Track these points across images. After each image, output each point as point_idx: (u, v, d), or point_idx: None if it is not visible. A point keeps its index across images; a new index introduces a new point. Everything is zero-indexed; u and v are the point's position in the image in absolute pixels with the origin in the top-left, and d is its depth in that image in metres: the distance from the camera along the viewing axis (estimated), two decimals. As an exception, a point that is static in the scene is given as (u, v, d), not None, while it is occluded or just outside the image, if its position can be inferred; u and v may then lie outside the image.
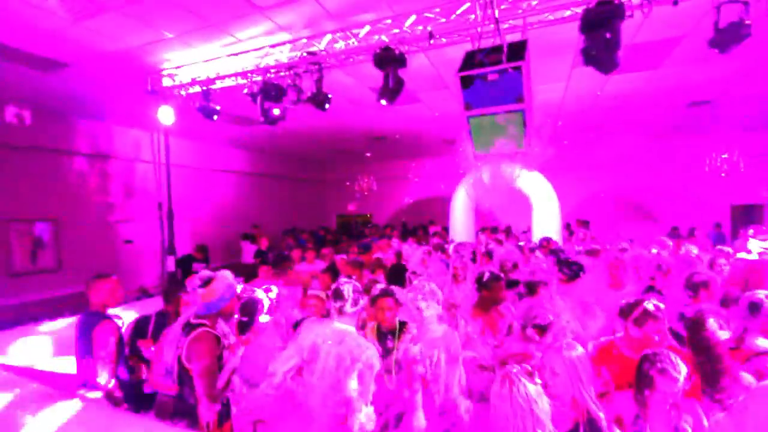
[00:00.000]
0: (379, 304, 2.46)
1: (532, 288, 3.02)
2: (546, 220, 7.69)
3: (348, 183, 12.59)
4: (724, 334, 2.39)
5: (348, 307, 1.99)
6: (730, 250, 4.87)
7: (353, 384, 1.37)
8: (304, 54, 4.64)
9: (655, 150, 10.52)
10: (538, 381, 1.59)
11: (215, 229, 9.56)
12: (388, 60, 3.93)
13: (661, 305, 2.48)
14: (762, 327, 2.39)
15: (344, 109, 6.99)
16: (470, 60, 3.73)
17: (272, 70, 4.87)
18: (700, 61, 5.26)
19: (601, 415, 1.66)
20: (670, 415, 1.90)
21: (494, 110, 3.72)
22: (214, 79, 5.25)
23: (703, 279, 3.12)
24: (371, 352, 1.50)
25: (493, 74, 3.53)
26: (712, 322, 2.36)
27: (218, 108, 5.35)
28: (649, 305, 2.39)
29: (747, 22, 3.12)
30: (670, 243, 5.55)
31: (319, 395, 1.33)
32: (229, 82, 5.26)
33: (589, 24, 3.35)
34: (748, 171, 9.43)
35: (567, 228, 10.15)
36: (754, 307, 2.44)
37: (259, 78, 4.94)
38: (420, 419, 2.04)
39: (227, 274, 2.28)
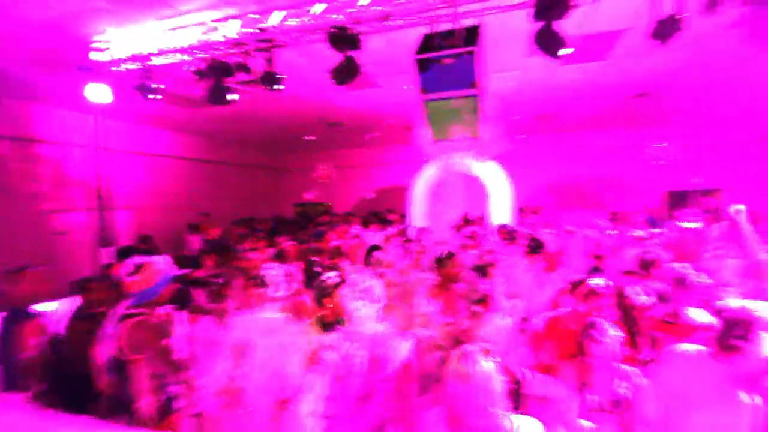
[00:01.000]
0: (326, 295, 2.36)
1: (482, 270, 3.14)
2: (501, 207, 7.94)
3: (306, 171, 12.28)
4: (642, 299, 2.60)
5: (273, 293, 1.91)
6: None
7: (293, 370, 1.32)
8: (255, 30, 4.38)
9: (601, 140, 11.11)
10: (495, 359, 1.60)
11: (163, 219, 9.00)
12: (343, 40, 3.79)
13: (609, 282, 2.63)
14: (689, 299, 2.59)
15: (299, 92, 6.73)
16: (427, 43, 3.69)
17: (219, 47, 4.56)
18: (643, 53, 5.53)
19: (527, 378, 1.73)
20: (608, 380, 2.02)
21: (449, 95, 3.73)
22: (154, 54, 4.84)
23: (653, 257, 3.35)
24: (307, 337, 1.45)
25: (448, 58, 3.52)
26: (629, 289, 2.59)
27: (159, 87, 4.95)
28: (593, 282, 2.53)
29: (681, 15, 3.29)
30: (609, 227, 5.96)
31: (258, 386, 1.25)
32: (171, 59, 4.87)
33: (540, 10, 3.41)
34: (682, 159, 10.20)
35: (520, 214, 10.61)
36: (680, 281, 2.64)
37: (205, 55, 4.62)
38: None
39: (159, 261, 2.13)
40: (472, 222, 7.44)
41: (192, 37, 4.66)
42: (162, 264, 2.12)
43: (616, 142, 10.86)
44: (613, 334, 2.03)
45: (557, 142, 11.39)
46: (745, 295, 3.16)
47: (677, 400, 1.77)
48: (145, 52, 4.86)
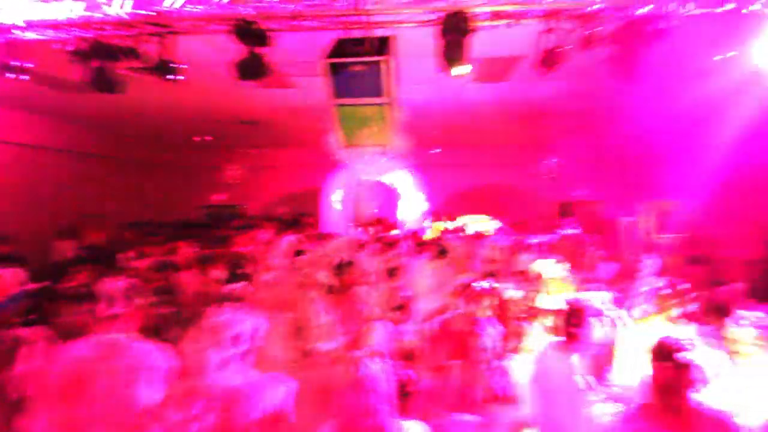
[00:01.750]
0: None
1: (391, 272, 3.21)
2: (412, 213, 8.25)
3: (217, 171, 11.42)
4: (510, 294, 2.92)
5: (107, 309, 1.71)
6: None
7: (145, 393, 1.15)
8: (150, 13, 3.94)
9: (505, 153, 12.15)
10: (384, 362, 1.62)
11: (31, 221, 7.63)
12: (250, 35, 3.59)
13: (494, 284, 2.85)
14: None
15: (206, 86, 6.24)
16: (339, 48, 3.67)
17: (105, 27, 4.01)
18: (537, 79, 6.16)
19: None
20: (491, 375, 2.16)
21: (360, 101, 3.74)
22: (20, 27, 4.10)
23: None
24: (155, 353, 1.29)
25: (359, 65, 3.53)
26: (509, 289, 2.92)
27: (25, 66, 4.20)
28: (478, 285, 2.71)
29: (565, 47, 3.72)
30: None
31: (102, 421, 1.07)
32: (42, 35, 4.16)
33: (445, 30, 3.61)
34: (570, 173, 11.57)
35: (432, 220, 11.17)
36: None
37: (87, 35, 4.03)
38: None
39: (10, 272, 1.77)
40: (384, 226, 7.59)
41: (71, 11, 4.03)
42: (13, 275, 1.76)
43: (517, 156, 11.93)
44: (493, 331, 2.19)
45: (466, 154, 12.20)
46: (617, 293, 3.69)
47: (542, 389, 1.97)
48: (10, 23, 4.09)
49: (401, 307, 3.00)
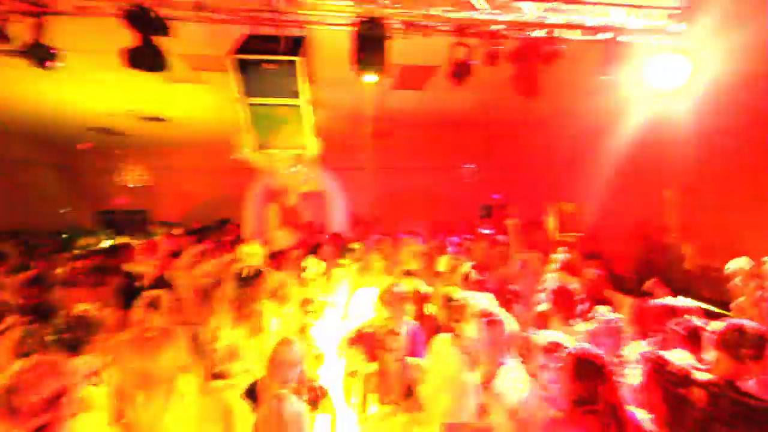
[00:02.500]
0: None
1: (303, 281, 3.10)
2: (338, 216, 8.17)
3: (115, 172, 10.11)
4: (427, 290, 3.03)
5: None
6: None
7: None
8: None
9: (429, 158, 12.61)
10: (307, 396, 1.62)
11: None
12: (144, 22, 3.24)
13: (416, 287, 2.89)
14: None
15: (98, 75, 5.55)
16: (247, 44, 3.47)
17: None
18: (452, 89, 6.47)
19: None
20: (402, 373, 2.19)
21: (272, 101, 3.57)
22: None
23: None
24: None
25: (270, 64, 3.37)
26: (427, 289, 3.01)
27: None
28: (397, 288, 2.72)
29: (472, 61, 3.94)
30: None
31: None
32: None
33: (360, 35, 3.61)
34: (489, 178, 12.30)
35: (358, 224, 11.21)
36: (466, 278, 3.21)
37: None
38: None
39: None
40: (309, 230, 7.41)
41: None
42: None
43: (440, 161, 12.43)
44: (405, 332, 2.22)
45: (392, 158, 12.42)
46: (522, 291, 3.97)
47: (438, 381, 2.05)
48: None
49: (315, 313, 2.90)
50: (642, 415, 1.65)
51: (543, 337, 2.04)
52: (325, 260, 5.06)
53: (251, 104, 3.54)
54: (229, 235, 6.30)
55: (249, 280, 2.55)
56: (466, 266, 4.75)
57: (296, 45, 3.45)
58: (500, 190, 13.70)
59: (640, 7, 3.78)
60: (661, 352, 1.82)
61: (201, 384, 2.57)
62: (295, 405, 1.55)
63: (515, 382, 1.98)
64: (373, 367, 2.34)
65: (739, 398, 1.49)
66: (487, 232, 6.90)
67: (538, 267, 5.36)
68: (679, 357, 1.77)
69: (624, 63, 4.27)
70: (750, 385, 1.55)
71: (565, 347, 1.76)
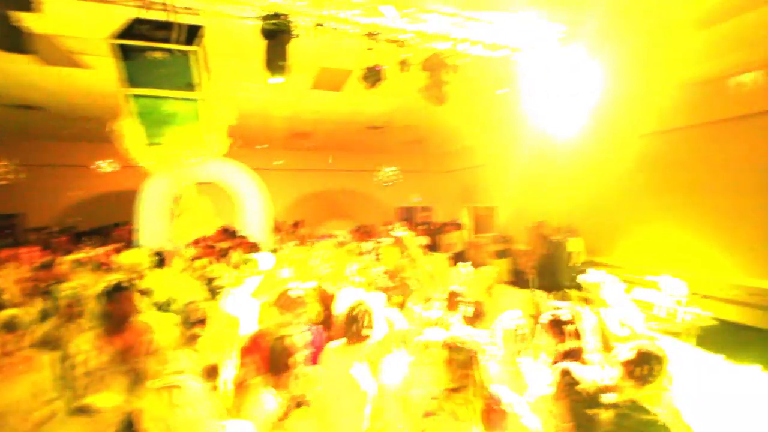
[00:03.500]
0: None
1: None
2: (256, 219, 7.76)
3: None
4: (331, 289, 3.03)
5: None
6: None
7: None
8: None
9: (350, 161, 12.64)
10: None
11: None
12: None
13: (311, 289, 2.79)
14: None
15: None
16: (132, 28, 3.09)
17: None
18: (368, 93, 6.52)
19: None
20: (293, 380, 2.09)
21: (162, 94, 3.22)
22: None
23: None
24: None
25: (158, 52, 3.04)
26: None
27: None
28: (292, 291, 2.62)
29: (382, 67, 3.98)
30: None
31: None
32: None
33: (265, 32, 3.45)
34: (405, 182, 12.65)
35: (278, 226, 10.81)
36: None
37: None
38: None
39: None
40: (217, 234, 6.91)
41: None
42: None
43: (361, 164, 12.50)
44: (301, 337, 2.14)
45: (314, 159, 12.21)
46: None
47: (329, 387, 2.02)
48: None
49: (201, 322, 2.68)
50: (506, 392, 1.80)
51: (426, 334, 2.13)
52: (234, 267, 4.76)
53: (136, 96, 3.15)
54: (116, 241, 5.58)
55: (113, 295, 2.23)
56: (376, 269, 4.81)
57: (191, 34, 3.16)
58: (420, 192, 14.23)
59: (532, 27, 4.14)
60: (574, 367, 1.90)
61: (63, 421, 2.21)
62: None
63: (400, 374, 2.07)
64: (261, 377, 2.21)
65: (642, 418, 1.63)
66: (401, 234, 7.06)
67: (447, 268, 5.63)
68: (589, 373, 1.88)
69: (521, 77, 4.67)
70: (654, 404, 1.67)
71: (440, 341, 1.84)
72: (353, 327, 2.08)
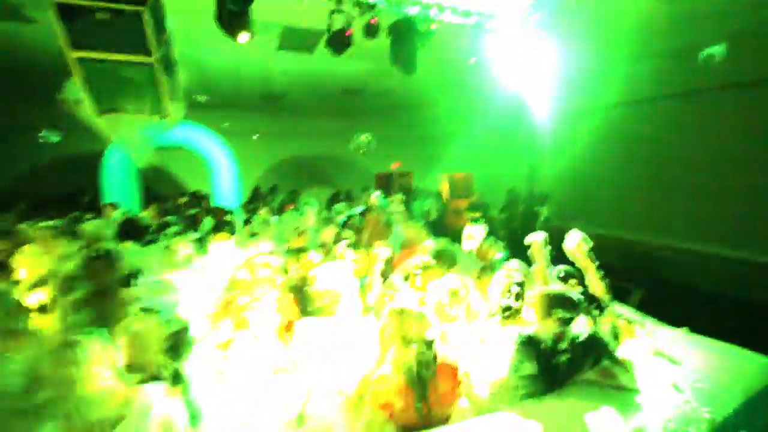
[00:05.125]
0: None
1: None
2: (228, 185, 7.62)
3: None
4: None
5: None
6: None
7: None
8: None
9: (327, 125, 12.34)
10: None
11: None
12: None
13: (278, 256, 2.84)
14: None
15: None
16: (74, -16, 2.84)
17: None
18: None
19: None
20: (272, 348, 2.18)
21: (112, 57, 3.04)
22: None
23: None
24: None
25: (102, 12, 2.83)
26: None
27: None
28: (260, 257, 2.65)
29: (348, 32, 3.84)
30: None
31: None
32: None
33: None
34: (383, 147, 12.39)
35: (256, 192, 10.60)
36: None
37: None
38: None
39: None
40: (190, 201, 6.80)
41: None
42: None
43: (337, 129, 12.19)
44: (270, 304, 2.20)
45: (289, 124, 11.87)
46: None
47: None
48: None
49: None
50: (459, 358, 1.94)
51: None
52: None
53: (83, 59, 2.95)
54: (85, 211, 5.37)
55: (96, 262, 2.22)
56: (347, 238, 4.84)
57: (141, -8, 2.94)
58: (398, 158, 14.12)
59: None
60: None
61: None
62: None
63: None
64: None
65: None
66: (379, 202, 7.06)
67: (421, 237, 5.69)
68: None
69: (491, 46, 4.60)
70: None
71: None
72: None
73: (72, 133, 8.64)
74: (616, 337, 2.22)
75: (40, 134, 7.72)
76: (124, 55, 3.07)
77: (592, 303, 2.15)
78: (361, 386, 1.82)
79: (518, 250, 2.69)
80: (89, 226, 3.38)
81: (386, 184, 14.69)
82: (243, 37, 3.39)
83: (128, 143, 4.72)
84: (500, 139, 8.93)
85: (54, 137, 8.18)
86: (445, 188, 13.02)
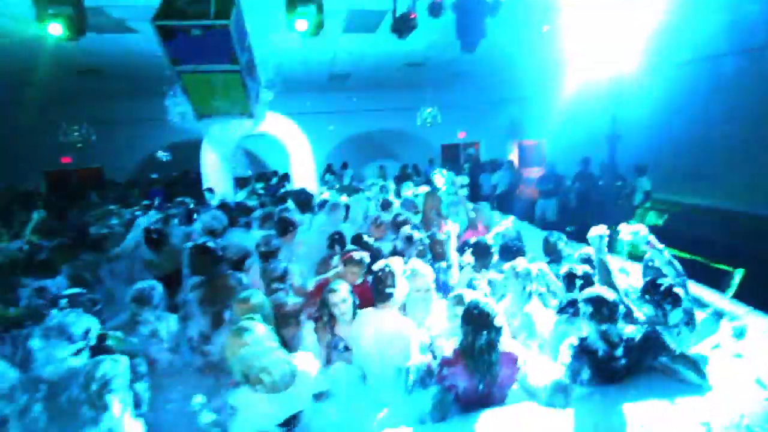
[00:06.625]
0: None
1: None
2: (302, 165, 8.13)
3: (56, 129, 9.23)
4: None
5: None
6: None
7: None
8: None
9: (390, 100, 12.29)
10: None
11: None
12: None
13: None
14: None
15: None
16: (169, 7, 3.23)
17: None
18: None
19: None
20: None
21: (207, 68, 3.44)
22: None
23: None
24: None
25: (196, 29, 3.19)
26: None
27: None
28: (356, 255, 2.85)
29: (412, 16, 3.85)
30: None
31: None
32: None
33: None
34: (449, 118, 12.04)
35: (329, 170, 11.10)
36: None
37: None
38: None
39: None
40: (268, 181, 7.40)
41: None
42: None
43: (402, 102, 12.11)
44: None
45: (354, 101, 12.07)
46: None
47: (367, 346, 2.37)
48: None
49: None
50: (518, 347, 2.07)
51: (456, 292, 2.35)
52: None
53: (182, 71, 3.39)
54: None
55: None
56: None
57: (224, 8, 3.23)
58: (464, 127, 13.72)
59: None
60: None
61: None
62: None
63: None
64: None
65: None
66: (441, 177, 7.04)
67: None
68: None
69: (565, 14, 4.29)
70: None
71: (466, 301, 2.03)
72: (378, 287, 2.27)
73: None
74: (688, 323, 2.16)
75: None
76: (216, 65, 3.46)
77: (664, 297, 2.10)
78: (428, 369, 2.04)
79: (591, 223, 2.51)
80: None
81: (453, 155, 14.46)
82: (301, 24, 3.54)
83: (220, 138, 5.28)
84: (576, 105, 8.26)
85: (165, 157, 10.19)
86: (514, 157, 12.46)
